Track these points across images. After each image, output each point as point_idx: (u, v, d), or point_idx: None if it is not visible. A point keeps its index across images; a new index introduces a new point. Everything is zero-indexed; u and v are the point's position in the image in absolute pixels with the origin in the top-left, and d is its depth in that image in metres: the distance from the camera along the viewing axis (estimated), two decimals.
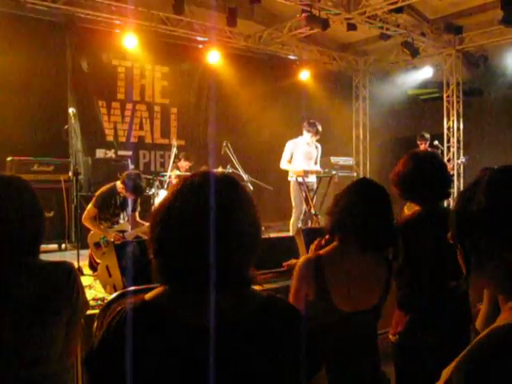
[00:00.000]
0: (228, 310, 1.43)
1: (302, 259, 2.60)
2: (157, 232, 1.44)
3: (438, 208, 3.17)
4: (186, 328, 1.39)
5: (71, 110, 7.35)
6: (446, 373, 1.18)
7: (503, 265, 1.25)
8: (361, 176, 14.94)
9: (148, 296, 1.47)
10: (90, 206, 6.75)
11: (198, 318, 1.40)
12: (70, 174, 8.24)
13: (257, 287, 1.56)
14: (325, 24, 10.54)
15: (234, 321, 1.43)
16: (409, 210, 8.96)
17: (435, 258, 2.96)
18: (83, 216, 6.71)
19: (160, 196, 9.17)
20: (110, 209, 6.81)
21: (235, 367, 1.39)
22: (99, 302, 4.83)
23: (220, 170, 9.62)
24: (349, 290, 2.51)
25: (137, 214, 7.11)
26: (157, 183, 9.45)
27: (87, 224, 6.69)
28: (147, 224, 6.67)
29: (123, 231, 6.77)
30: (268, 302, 1.52)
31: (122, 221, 6.94)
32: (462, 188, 10.83)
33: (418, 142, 10.45)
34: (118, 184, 6.75)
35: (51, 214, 8.68)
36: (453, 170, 11.74)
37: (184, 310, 1.42)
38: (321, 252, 2.63)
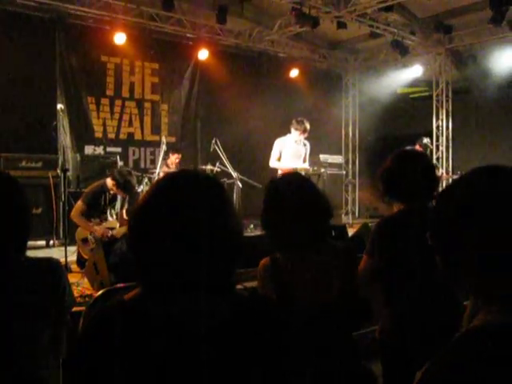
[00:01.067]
0: (208, 312, 1.41)
1: (261, 262, 2.58)
2: (133, 233, 1.44)
3: (422, 207, 3.16)
4: (163, 330, 1.37)
5: (59, 106, 7.33)
6: (419, 374, 1.18)
7: (475, 264, 1.26)
8: (349, 174, 14.97)
9: (127, 296, 1.45)
10: (78, 202, 6.72)
11: (180, 320, 1.39)
12: (58, 170, 8.21)
13: (238, 286, 1.56)
14: (315, 22, 10.56)
15: (216, 321, 1.41)
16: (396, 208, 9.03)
17: (414, 256, 2.95)
18: (72, 212, 6.69)
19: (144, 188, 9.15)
20: (99, 206, 6.79)
21: (215, 368, 1.38)
22: (86, 299, 4.82)
23: (209, 167, 9.63)
24: (308, 286, 2.50)
25: (124, 211, 7.09)
26: (146, 180, 9.44)
27: (75, 220, 6.66)
28: None
29: (111, 228, 6.76)
30: (250, 301, 1.53)
31: (110, 218, 6.93)
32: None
33: (418, 145, 10.47)
34: (108, 181, 6.73)
35: (39, 211, 8.64)
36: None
37: (162, 311, 1.40)
38: (277, 255, 2.60)
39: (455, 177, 11.06)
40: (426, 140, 10.85)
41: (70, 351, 1.48)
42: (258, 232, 9.22)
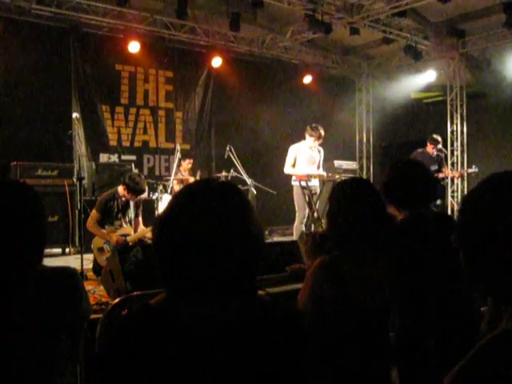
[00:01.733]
0: (233, 316, 1.43)
1: (317, 260, 2.61)
2: (159, 244, 1.46)
3: (422, 214, 3.20)
4: (190, 334, 1.40)
5: (75, 115, 7.39)
6: (446, 380, 1.18)
7: (502, 266, 1.26)
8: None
9: (152, 301, 1.48)
10: (93, 211, 6.80)
11: (203, 323, 1.41)
12: (74, 178, 8.27)
13: (260, 292, 1.57)
14: (327, 28, 10.57)
15: (239, 326, 1.43)
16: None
17: (426, 262, 2.98)
18: (87, 222, 6.75)
19: (164, 200, 9.18)
20: (111, 213, 6.84)
21: (238, 372, 1.40)
22: (103, 307, 4.83)
23: (224, 174, 9.65)
24: (365, 289, 2.53)
25: (140, 219, 7.13)
26: (160, 187, 9.48)
27: (91, 229, 6.72)
28: (148, 228, 6.72)
29: (126, 235, 6.80)
30: (273, 307, 1.54)
31: (125, 225, 6.97)
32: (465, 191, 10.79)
33: (428, 143, 10.37)
34: (119, 188, 6.80)
35: (55, 219, 8.71)
36: (446, 177, 11.42)
37: (188, 315, 1.42)
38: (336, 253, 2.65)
39: (471, 171, 10.99)
40: (439, 146, 10.72)
41: (95, 355, 1.49)
42: (275, 238, 9.23)
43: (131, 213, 7.02)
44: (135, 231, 7.00)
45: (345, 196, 2.73)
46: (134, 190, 6.71)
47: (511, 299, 1.26)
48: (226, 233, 1.42)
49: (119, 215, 6.91)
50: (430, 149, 10.26)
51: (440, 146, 10.75)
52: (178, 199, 1.49)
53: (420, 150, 10.24)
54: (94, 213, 6.75)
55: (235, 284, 1.44)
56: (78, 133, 10.22)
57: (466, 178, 12.76)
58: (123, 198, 6.82)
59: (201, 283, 1.41)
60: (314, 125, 8.78)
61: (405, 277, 2.99)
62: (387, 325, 2.76)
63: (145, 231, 6.82)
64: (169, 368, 1.37)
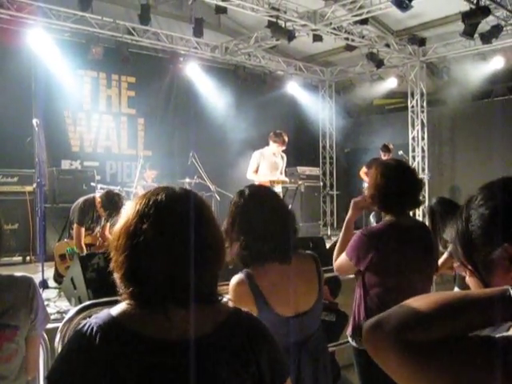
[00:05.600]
0: (197, 325, 1.43)
1: (233, 280, 2.50)
2: (124, 256, 1.42)
3: (409, 220, 3.23)
4: (154, 344, 1.39)
5: (35, 121, 7.27)
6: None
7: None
8: (327, 186, 15.06)
9: (115, 312, 1.45)
10: (76, 226, 6.56)
11: (167, 333, 1.40)
12: (35, 185, 8.13)
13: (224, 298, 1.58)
14: (291, 35, 10.63)
15: (202, 335, 1.43)
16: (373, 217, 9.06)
17: (399, 267, 2.99)
18: (75, 241, 6.53)
19: (127, 207, 9.08)
20: (88, 221, 6.71)
21: (202, 381, 1.39)
22: (63, 315, 4.76)
23: (187, 180, 9.62)
24: (287, 296, 2.51)
25: (108, 225, 6.94)
26: (123, 194, 9.38)
27: (81, 250, 6.46)
28: None
29: (92, 245, 6.71)
30: (235, 315, 1.54)
31: (93, 234, 6.86)
32: (426, 196, 10.96)
33: (381, 153, 10.56)
34: (97, 198, 6.68)
35: (15, 227, 8.55)
36: None
37: (152, 325, 1.41)
38: (248, 270, 2.58)
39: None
40: (400, 152, 10.94)
41: (53, 366, 1.45)
42: None
43: (103, 222, 6.88)
44: (102, 238, 6.88)
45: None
46: (106, 207, 6.52)
47: None
48: (190, 239, 1.41)
49: (92, 225, 6.78)
50: (382, 157, 10.39)
51: (400, 152, 10.93)
52: (138, 207, 1.47)
53: (375, 158, 10.35)
54: (76, 227, 6.55)
55: (200, 291, 1.44)
56: (39, 139, 10.06)
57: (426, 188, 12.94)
58: (97, 209, 6.69)
59: (162, 291, 1.40)
60: (277, 131, 8.81)
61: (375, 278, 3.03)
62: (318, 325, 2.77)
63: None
64: (132, 378, 1.35)
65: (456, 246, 1.36)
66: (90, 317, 1.49)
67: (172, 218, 1.43)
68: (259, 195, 2.64)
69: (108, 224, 6.93)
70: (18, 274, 2.24)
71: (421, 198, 3.29)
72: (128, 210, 1.50)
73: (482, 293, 1.10)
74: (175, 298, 1.41)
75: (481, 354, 0.99)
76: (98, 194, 6.71)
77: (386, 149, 10.55)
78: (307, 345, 2.56)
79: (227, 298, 1.83)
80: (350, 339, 3.20)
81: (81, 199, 6.84)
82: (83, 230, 6.58)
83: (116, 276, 1.45)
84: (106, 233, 6.96)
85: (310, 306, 2.58)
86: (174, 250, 1.40)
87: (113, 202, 6.50)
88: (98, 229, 6.85)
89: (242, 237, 2.47)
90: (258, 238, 2.44)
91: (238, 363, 1.45)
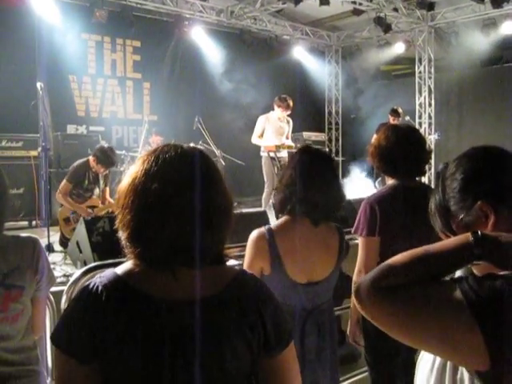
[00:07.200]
0: (204, 285, 1.43)
1: (254, 232, 2.58)
2: (132, 216, 1.41)
3: (414, 183, 3.17)
4: (160, 303, 1.39)
5: (39, 85, 7.22)
6: None
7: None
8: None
9: (120, 271, 1.45)
10: (64, 181, 6.70)
11: (173, 293, 1.41)
12: (39, 149, 8.12)
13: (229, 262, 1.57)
14: None
15: (208, 295, 1.44)
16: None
17: (405, 233, 2.94)
18: (57, 191, 6.66)
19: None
20: (83, 184, 6.76)
21: (208, 340, 1.40)
22: (69, 279, 4.79)
23: (192, 145, 9.58)
24: (303, 262, 2.51)
25: (107, 189, 7.05)
26: (128, 159, 9.37)
27: (60, 200, 6.64)
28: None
29: (93, 207, 6.74)
30: (241, 277, 1.54)
31: (94, 196, 6.91)
32: (433, 163, 10.90)
33: (390, 117, 10.45)
34: (90, 158, 6.73)
35: (21, 191, 8.58)
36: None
37: (158, 285, 1.41)
38: (272, 227, 2.60)
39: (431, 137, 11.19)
40: (407, 118, 10.81)
41: (57, 325, 1.46)
42: (239, 210, 9.20)
43: (101, 185, 6.96)
44: (103, 203, 6.94)
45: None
46: (104, 162, 6.64)
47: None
48: (206, 204, 1.41)
49: (90, 186, 6.84)
50: (391, 121, 10.30)
51: (407, 117, 10.82)
52: (151, 172, 1.43)
53: (384, 123, 10.27)
54: (65, 183, 6.66)
55: (207, 252, 1.44)
56: (44, 103, 10.00)
57: (433, 152, 12.86)
58: (93, 170, 6.74)
59: (169, 251, 1.39)
60: (282, 95, 8.76)
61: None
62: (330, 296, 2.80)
63: (112, 204, 6.77)
64: (137, 336, 1.36)
65: (435, 217, 1.41)
66: None
67: (181, 177, 1.41)
68: (323, 158, 2.72)
69: (107, 188, 7.00)
70: (23, 234, 2.25)
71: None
72: (135, 167, 1.47)
73: (446, 242, 1.26)
74: (182, 258, 1.40)
75: (435, 290, 1.19)
76: (90, 157, 6.76)
77: (395, 113, 10.42)
78: (314, 313, 2.57)
79: (234, 261, 1.83)
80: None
81: (77, 162, 6.89)
82: (70, 186, 6.64)
83: (122, 235, 1.44)
84: (107, 197, 7.01)
85: (324, 276, 2.60)
86: (183, 211, 1.38)
87: (108, 155, 6.64)
88: (96, 190, 6.90)
89: (291, 186, 2.54)
90: (308, 188, 2.51)
91: (244, 324, 1.45)
